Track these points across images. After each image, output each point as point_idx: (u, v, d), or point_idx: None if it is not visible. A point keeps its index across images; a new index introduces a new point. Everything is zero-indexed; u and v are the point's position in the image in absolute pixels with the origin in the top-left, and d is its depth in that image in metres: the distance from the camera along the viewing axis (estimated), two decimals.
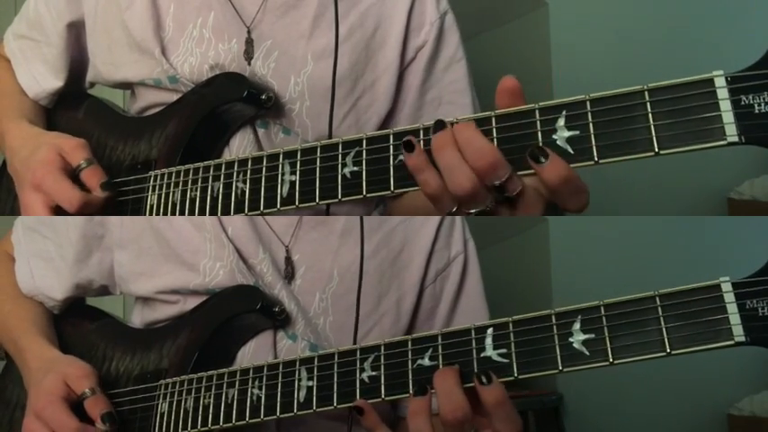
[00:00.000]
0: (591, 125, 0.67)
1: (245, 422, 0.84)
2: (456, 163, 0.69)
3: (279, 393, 0.83)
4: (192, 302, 0.96)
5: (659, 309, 0.68)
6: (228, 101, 0.93)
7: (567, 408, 2.79)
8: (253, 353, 0.92)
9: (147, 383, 0.93)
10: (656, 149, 0.65)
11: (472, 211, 0.70)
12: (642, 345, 0.68)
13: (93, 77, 1.07)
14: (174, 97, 0.97)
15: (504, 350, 0.73)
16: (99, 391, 0.90)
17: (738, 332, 0.65)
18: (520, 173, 0.69)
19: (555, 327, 0.71)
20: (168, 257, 0.96)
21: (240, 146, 0.95)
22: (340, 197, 0.77)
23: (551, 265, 2.81)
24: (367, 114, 0.99)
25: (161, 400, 0.91)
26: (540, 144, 0.68)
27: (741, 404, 2.29)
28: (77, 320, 1.04)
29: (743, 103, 0.63)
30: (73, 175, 0.92)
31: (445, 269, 1.00)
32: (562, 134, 0.68)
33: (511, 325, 0.73)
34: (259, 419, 0.83)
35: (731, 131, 0.63)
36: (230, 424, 0.85)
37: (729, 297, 0.66)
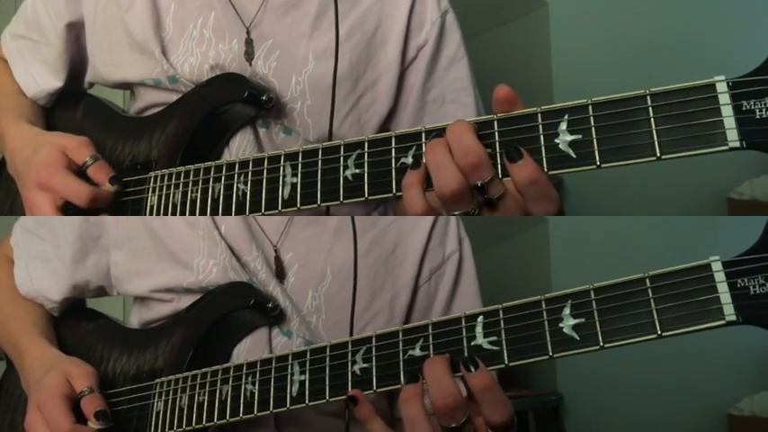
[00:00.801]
0: (593, 129, 0.67)
1: (238, 418, 0.84)
2: (445, 162, 0.69)
3: (272, 388, 0.83)
4: (186, 301, 0.96)
5: (649, 291, 0.68)
6: (229, 101, 0.93)
7: (567, 408, 2.79)
8: (248, 350, 0.92)
9: (143, 383, 0.93)
10: (658, 154, 0.65)
11: (456, 212, 0.71)
12: (632, 327, 0.67)
13: (92, 78, 1.07)
14: (174, 97, 0.97)
15: (494, 338, 0.73)
16: (97, 391, 0.90)
17: (729, 311, 0.65)
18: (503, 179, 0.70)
19: (545, 312, 0.71)
20: (162, 256, 0.96)
21: (240, 146, 0.95)
22: (342, 199, 0.77)
23: (551, 265, 2.81)
24: (368, 113, 0.99)
25: (156, 399, 0.91)
26: (542, 146, 0.68)
27: (741, 404, 2.29)
28: (75, 322, 1.04)
29: (744, 108, 0.63)
30: (78, 172, 0.92)
31: (440, 268, 1.00)
32: (564, 138, 0.68)
33: (501, 312, 0.73)
34: (252, 415, 0.83)
35: (732, 137, 0.63)
36: (224, 420, 0.85)
37: (720, 276, 0.66)
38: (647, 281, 0.68)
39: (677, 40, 2.43)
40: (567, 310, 0.70)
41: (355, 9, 0.98)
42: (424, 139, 0.73)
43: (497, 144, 0.70)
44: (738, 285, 0.65)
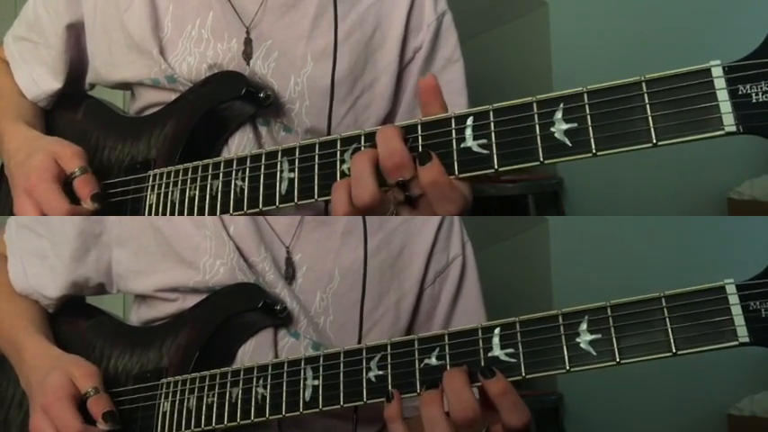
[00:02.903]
0: (588, 117, 0.67)
1: (249, 421, 0.84)
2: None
3: (284, 392, 0.83)
4: (191, 300, 0.96)
5: (665, 310, 0.69)
6: (227, 99, 0.93)
7: (567, 408, 2.79)
8: (253, 351, 0.93)
9: (146, 382, 0.93)
10: (654, 141, 0.65)
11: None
12: (648, 345, 0.69)
13: (92, 78, 1.07)
14: (173, 97, 0.97)
15: (511, 350, 0.73)
16: (102, 391, 0.90)
17: (743, 333, 0.67)
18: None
19: (562, 327, 0.72)
20: (167, 255, 0.97)
21: (239, 145, 0.95)
22: None
23: (551, 265, 2.81)
24: (365, 115, 1.00)
25: (162, 400, 0.91)
26: (538, 135, 0.68)
27: (741, 404, 2.29)
28: (72, 318, 1.04)
29: (740, 92, 0.63)
30: (66, 182, 0.92)
31: (444, 271, 1.00)
32: (560, 127, 0.68)
33: (518, 325, 0.74)
34: (264, 418, 0.83)
35: (729, 121, 0.63)
36: (235, 423, 0.85)
37: (734, 299, 0.67)
38: (663, 300, 0.69)
39: (677, 40, 2.42)
40: (583, 326, 0.71)
41: (354, 10, 0.99)
42: (420, 132, 0.73)
43: (493, 134, 0.70)
44: (751, 308, 0.67)
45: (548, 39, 2.73)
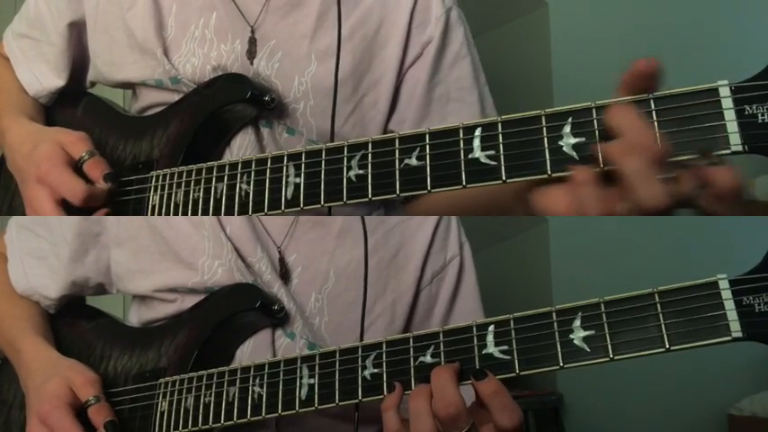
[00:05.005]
0: (597, 131, 0.67)
1: (246, 420, 0.84)
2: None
3: (280, 391, 0.83)
4: (189, 301, 0.96)
5: (658, 305, 0.70)
6: (231, 102, 0.93)
7: (567, 408, 2.79)
8: (251, 351, 0.92)
9: (145, 382, 0.93)
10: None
11: None
12: (642, 341, 0.69)
13: (94, 77, 1.07)
14: (176, 98, 0.97)
15: (505, 347, 0.74)
16: (103, 399, 0.90)
17: (736, 328, 0.67)
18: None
19: (556, 324, 0.72)
20: (165, 255, 0.96)
21: (241, 146, 0.95)
22: (345, 200, 0.77)
23: (551, 265, 2.81)
24: (371, 113, 0.99)
25: (161, 399, 0.91)
26: (546, 148, 0.69)
27: (741, 404, 2.30)
28: (74, 320, 1.04)
29: (746, 112, 0.64)
30: (76, 167, 0.92)
31: (441, 271, 1.00)
32: (568, 140, 0.68)
33: (512, 322, 0.74)
34: (261, 417, 0.83)
35: (735, 140, 0.64)
36: (231, 422, 0.85)
37: (727, 294, 0.68)
38: (656, 296, 0.70)
39: (678, 40, 2.43)
40: (577, 322, 0.72)
41: (357, 8, 0.98)
42: (428, 140, 0.73)
43: (501, 146, 0.70)
44: (744, 303, 0.67)
45: (548, 39, 2.73)
